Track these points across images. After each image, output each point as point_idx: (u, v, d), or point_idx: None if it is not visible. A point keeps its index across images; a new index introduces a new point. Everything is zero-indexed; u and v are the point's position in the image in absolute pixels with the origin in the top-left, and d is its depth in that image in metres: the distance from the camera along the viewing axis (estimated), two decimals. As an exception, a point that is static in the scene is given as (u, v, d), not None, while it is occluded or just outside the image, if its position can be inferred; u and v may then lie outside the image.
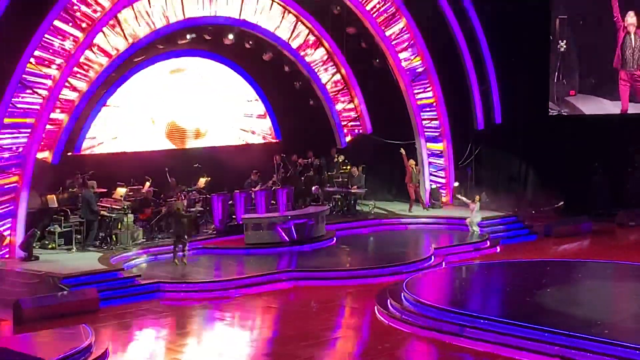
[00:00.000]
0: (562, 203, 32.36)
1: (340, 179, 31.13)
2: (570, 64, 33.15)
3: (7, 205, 24.09)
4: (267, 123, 31.58)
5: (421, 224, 29.88)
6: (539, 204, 31.91)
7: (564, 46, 32.98)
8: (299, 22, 29.90)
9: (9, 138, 24.01)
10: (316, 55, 30.66)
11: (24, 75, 23.93)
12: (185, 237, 24.85)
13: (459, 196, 30.09)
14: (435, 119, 31.74)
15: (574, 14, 33.16)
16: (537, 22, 33.10)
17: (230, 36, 28.65)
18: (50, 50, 24.35)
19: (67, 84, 24.80)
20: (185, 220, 25.01)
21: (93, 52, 25.35)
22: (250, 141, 31.33)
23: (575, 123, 32.98)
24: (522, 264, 25.01)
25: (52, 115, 24.67)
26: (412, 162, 30.63)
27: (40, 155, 24.59)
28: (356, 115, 31.75)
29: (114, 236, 25.39)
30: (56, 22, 24.31)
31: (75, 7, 24.65)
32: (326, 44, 30.55)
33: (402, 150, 30.57)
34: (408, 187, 30.66)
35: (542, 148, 32.84)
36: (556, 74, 33.17)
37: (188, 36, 27.88)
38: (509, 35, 32.21)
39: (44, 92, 24.33)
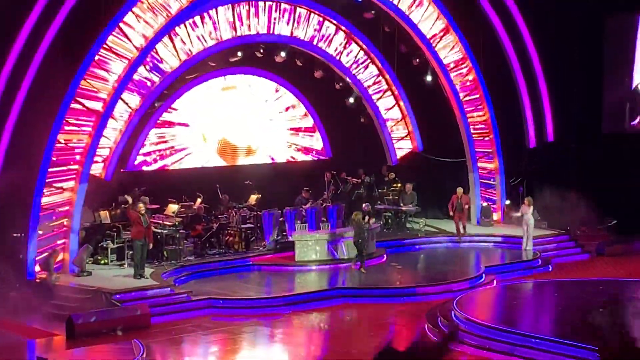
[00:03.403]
0: (614, 222, 32.03)
1: (390, 197, 31.09)
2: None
3: (61, 220, 24.35)
4: (317, 140, 31.63)
5: (472, 242, 29.72)
6: (592, 222, 31.60)
7: None
8: (351, 40, 29.95)
9: (62, 155, 24.27)
10: (367, 73, 30.66)
11: (77, 91, 24.19)
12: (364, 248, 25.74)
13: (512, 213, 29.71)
14: (487, 137, 31.60)
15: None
16: (589, 38, 32.89)
17: (282, 54, 28.74)
18: (104, 67, 24.59)
19: (120, 100, 25.02)
20: (365, 234, 25.63)
21: (146, 69, 25.57)
22: (301, 158, 31.39)
23: (629, 140, 32.65)
24: (574, 283, 24.80)
25: (105, 132, 24.88)
26: (459, 190, 29.78)
27: (93, 172, 24.81)
28: (407, 133, 31.67)
29: (165, 252, 25.53)
30: (109, 40, 24.55)
31: (128, 25, 24.86)
32: (377, 62, 30.55)
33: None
34: (454, 217, 29.94)
35: (594, 166, 32.54)
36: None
37: (239, 53, 28.06)
38: (562, 51, 32.01)
39: (98, 109, 24.55)
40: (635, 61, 32.76)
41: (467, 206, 29.85)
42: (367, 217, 26.33)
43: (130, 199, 25.93)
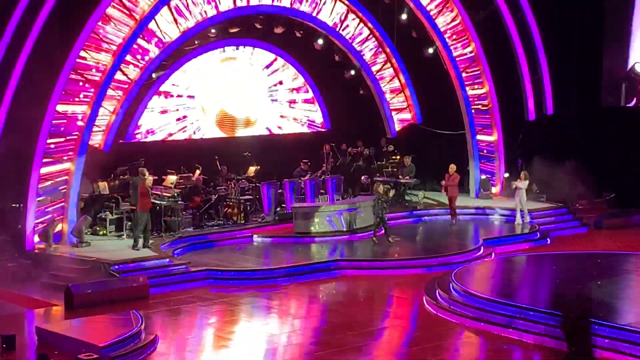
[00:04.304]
0: (613, 195, 32.05)
1: (389, 169, 31.06)
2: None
3: (60, 191, 24.33)
4: (317, 112, 31.57)
5: (470, 215, 29.73)
6: (590, 195, 31.62)
7: None
8: (350, 12, 29.82)
9: (61, 125, 24.22)
10: (366, 45, 30.54)
11: (76, 62, 24.10)
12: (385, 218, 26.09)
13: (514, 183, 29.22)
14: (486, 110, 31.54)
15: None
16: (590, 11, 32.80)
17: (281, 26, 28.63)
18: (103, 38, 24.50)
19: (119, 71, 24.95)
20: (385, 204, 25.95)
21: (145, 40, 25.48)
22: (300, 130, 31.34)
23: (628, 113, 32.61)
24: (572, 256, 24.82)
25: (104, 103, 24.82)
26: (451, 167, 28.81)
27: (92, 143, 24.77)
28: (406, 105, 31.61)
29: (163, 223, 25.54)
30: (108, 10, 24.45)
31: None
32: (377, 33, 30.42)
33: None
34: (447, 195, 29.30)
35: (593, 139, 32.53)
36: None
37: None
38: (562, 24, 31.91)
39: (96, 80, 24.48)
40: (632, 39, 32.68)
41: (454, 195, 28.71)
42: (388, 189, 26.55)
43: (146, 171, 25.95)
